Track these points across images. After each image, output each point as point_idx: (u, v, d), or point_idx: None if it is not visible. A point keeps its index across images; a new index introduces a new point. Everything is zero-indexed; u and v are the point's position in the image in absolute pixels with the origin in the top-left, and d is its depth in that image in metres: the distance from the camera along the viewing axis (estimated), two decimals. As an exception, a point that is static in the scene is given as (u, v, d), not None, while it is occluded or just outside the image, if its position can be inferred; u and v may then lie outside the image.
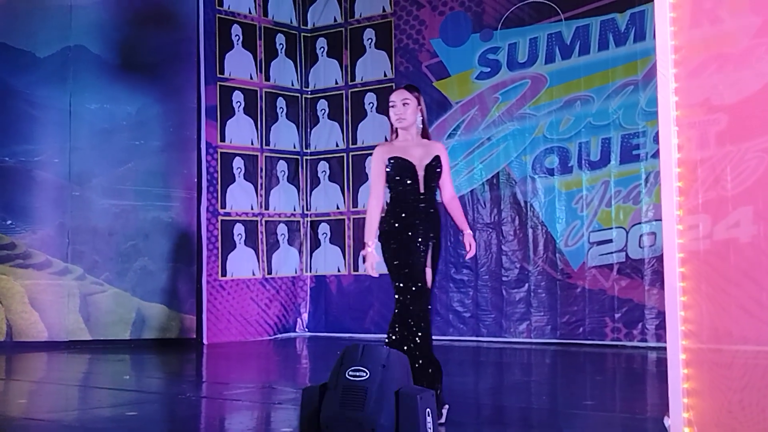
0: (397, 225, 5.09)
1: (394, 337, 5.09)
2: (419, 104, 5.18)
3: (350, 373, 4.15)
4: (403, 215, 5.09)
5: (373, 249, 5.09)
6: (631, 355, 8.46)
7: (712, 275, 3.54)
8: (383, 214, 5.20)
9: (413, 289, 5.05)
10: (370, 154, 10.90)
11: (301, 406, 4.38)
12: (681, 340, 3.58)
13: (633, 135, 9.15)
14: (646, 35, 9.03)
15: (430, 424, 4.09)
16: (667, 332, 3.63)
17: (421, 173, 5.11)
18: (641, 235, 9.05)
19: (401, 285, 5.07)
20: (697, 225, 3.59)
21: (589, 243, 9.35)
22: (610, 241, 9.24)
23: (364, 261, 5.15)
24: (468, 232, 5.33)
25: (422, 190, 5.12)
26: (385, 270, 5.20)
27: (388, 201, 5.21)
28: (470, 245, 5.27)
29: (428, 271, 5.16)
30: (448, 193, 5.33)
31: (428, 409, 4.12)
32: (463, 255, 10.05)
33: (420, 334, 5.06)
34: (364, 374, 4.13)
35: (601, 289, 9.25)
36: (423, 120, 5.20)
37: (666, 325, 3.64)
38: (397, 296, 5.10)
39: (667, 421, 3.60)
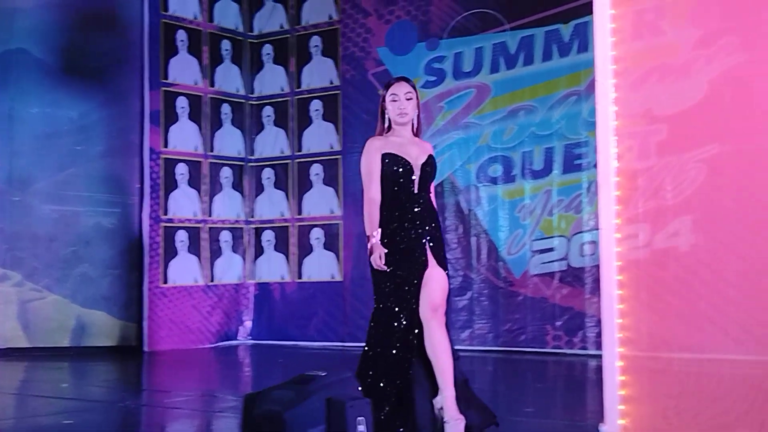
0: (389, 231, 4.70)
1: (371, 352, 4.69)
2: (419, 99, 4.89)
3: None
4: (396, 221, 4.72)
5: (378, 240, 4.63)
6: (571, 363, 8.53)
7: (652, 284, 3.58)
8: None
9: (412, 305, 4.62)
10: (316, 162, 11.01)
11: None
12: (617, 347, 3.62)
13: (575, 145, 9.25)
14: (589, 46, 9.12)
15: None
16: (603, 340, 3.67)
17: (417, 173, 4.76)
18: (582, 244, 9.15)
19: (391, 298, 4.64)
20: (637, 234, 3.63)
21: (532, 251, 9.42)
22: (552, 249, 9.32)
23: (370, 254, 4.65)
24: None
25: (417, 191, 4.76)
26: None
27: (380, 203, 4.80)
28: None
29: (438, 272, 4.70)
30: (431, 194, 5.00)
31: (361, 417, 4.04)
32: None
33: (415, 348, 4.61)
34: None
35: (543, 297, 9.32)
36: (418, 116, 4.86)
37: (602, 332, 3.68)
38: (380, 306, 4.69)
39: (602, 428, 3.63)
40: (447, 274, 4.73)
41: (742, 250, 3.40)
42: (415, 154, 4.78)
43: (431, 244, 4.71)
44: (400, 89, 4.80)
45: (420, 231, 4.70)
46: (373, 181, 4.73)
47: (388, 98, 4.81)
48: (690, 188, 3.52)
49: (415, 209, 4.74)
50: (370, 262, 4.67)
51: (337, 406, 4.02)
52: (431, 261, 4.68)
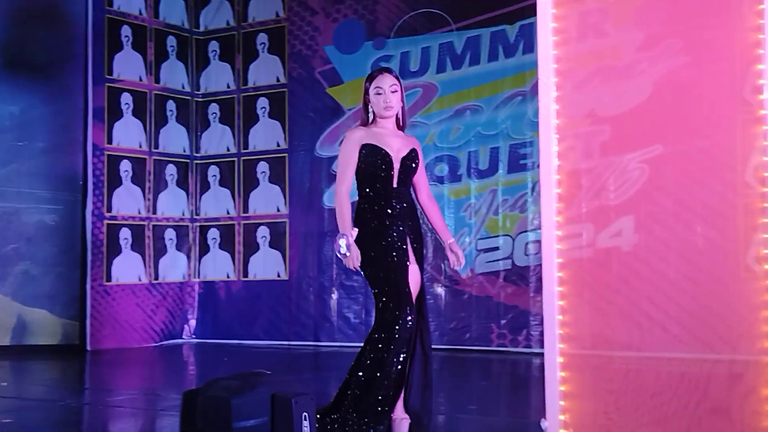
0: (372, 226, 4.59)
1: (374, 355, 4.47)
2: (402, 91, 4.75)
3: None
4: (375, 215, 4.62)
5: (352, 240, 4.48)
6: (515, 361, 8.61)
7: (594, 282, 3.62)
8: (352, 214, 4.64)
9: (397, 296, 4.49)
10: (262, 159, 10.96)
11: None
12: (558, 343, 3.66)
13: (520, 145, 9.33)
14: (534, 47, 9.21)
15: (307, 429, 4.03)
16: (545, 337, 3.71)
17: (396, 166, 4.63)
18: (527, 243, 9.23)
19: (385, 295, 4.53)
20: (580, 233, 3.67)
21: (477, 250, 9.48)
22: (497, 248, 9.39)
23: (345, 255, 4.47)
24: (451, 241, 4.87)
25: (396, 185, 4.65)
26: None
27: (358, 197, 4.71)
28: (458, 255, 4.81)
29: (415, 269, 4.66)
30: (425, 192, 4.91)
31: (305, 414, 4.02)
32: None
33: (410, 350, 4.51)
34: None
35: (488, 295, 9.38)
36: (403, 108, 4.75)
37: (544, 328, 3.72)
38: (380, 305, 4.53)
39: (544, 424, 3.68)
40: (422, 272, 4.71)
41: (682, 250, 3.46)
42: (397, 146, 4.67)
43: (412, 239, 4.66)
44: (385, 82, 4.67)
45: (401, 229, 4.62)
46: (346, 175, 4.62)
47: (372, 91, 4.68)
48: (632, 189, 3.57)
49: (394, 204, 4.63)
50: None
51: (283, 401, 4.01)
52: (411, 257, 4.63)
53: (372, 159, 4.62)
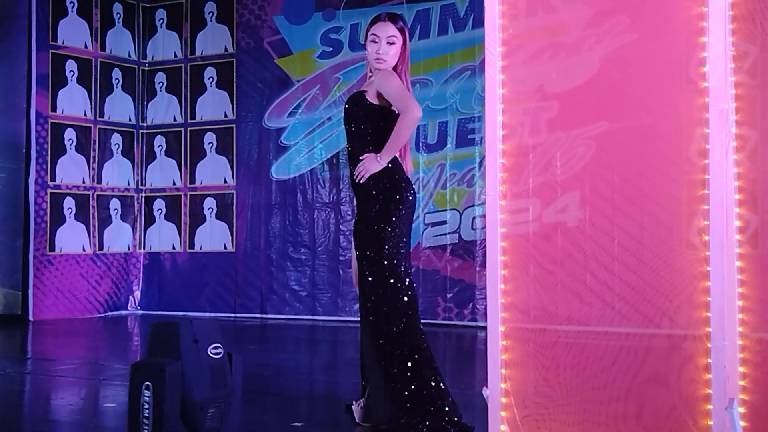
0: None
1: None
2: (406, 44, 4.32)
3: (212, 351, 3.98)
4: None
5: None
6: (461, 334, 8.68)
7: (539, 257, 3.66)
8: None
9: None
10: (210, 131, 10.86)
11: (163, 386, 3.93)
12: (501, 312, 3.70)
13: (469, 120, 9.36)
14: (484, 21, 9.22)
15: (148, 398, 3.96)
16: (488, 306, 3.75)
17: None
18: (474, 218, 9.28)
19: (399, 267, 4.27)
20: (527, 208, 3.70)
21: (425, 224, 9.52)
22: (445, 222, 9.44)
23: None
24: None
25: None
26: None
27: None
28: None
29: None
30: None
31: (147, 383, 3.94)
32: (300, 234, 10.07)
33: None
34: (221, 351, 4.00)
35: (435, 269, 9.44)
36: (402, 67, 4.32)
37: (487, 298, 3.76)
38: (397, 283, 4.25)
39: (485, 392, 3.72)
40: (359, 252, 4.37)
41: (627, 226, 3.50)
42: None
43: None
44: (383, 31, 4.27)
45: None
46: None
47: (368, 38, 4.31)
48: (579, 164, 3.60)
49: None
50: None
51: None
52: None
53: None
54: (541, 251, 3.66)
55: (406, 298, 4.25)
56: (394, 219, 4.23)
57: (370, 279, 4.23)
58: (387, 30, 4.27)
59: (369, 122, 4.30)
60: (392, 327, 4.19)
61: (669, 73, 3.44)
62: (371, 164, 4.24)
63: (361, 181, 4.28)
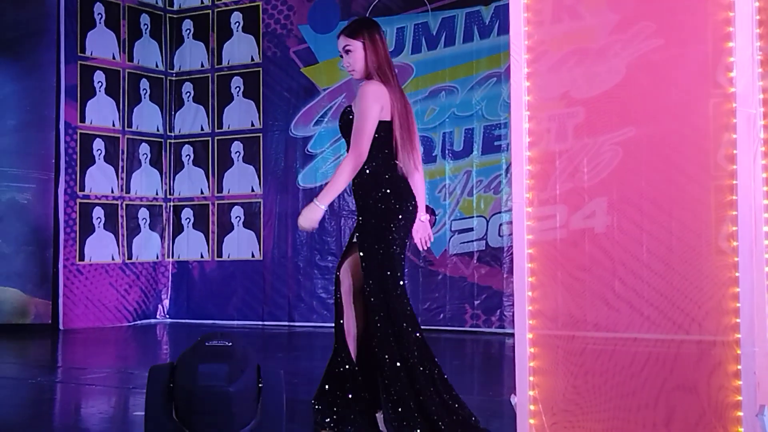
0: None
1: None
2: (369, 44, 4.30)
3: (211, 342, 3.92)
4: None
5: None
6: (489, 341, 8.66)
7: (567, 264, 3.65)
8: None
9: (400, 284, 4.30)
10: (237, 140, 10.92)
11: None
12: (528, 320, 3.69)
13: (495, 126, 9.35)
14: (509, 28, 9.21)
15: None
16: (515, 312, 3.73)
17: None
18: (501, 224, 9.27)
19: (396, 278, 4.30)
20: (554, 215, 3.69)
21: (451, 231, 9.51)
22: (471, 229, 9.43)
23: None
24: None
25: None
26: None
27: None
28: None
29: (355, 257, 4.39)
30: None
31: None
32: (327, 242, 10.10)
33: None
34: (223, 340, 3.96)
35: (462, 276, 9.43)
36: (374, 60, 4.30)
37: (515, 305, 3.75)
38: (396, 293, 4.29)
39: (513, 399, 3.71)
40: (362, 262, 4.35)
41: (655, 232, 3.49)
42: None
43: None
44: (339, 45, 4.38)
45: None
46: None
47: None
48: (606, 170, 3.59)
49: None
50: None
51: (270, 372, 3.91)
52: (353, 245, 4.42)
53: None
54: (568, 258, 3.65)
55: (408, 309, 4.29)
56: (393, 227, 4.23)
57: (373, 287, 4.24)
58: (340, 43, 4.35)
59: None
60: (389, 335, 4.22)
61: (696, 79, 3.43)
62: (311, 213, 4.21)
63: (306, 229, 4.26)
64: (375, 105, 4.22)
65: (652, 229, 3.50)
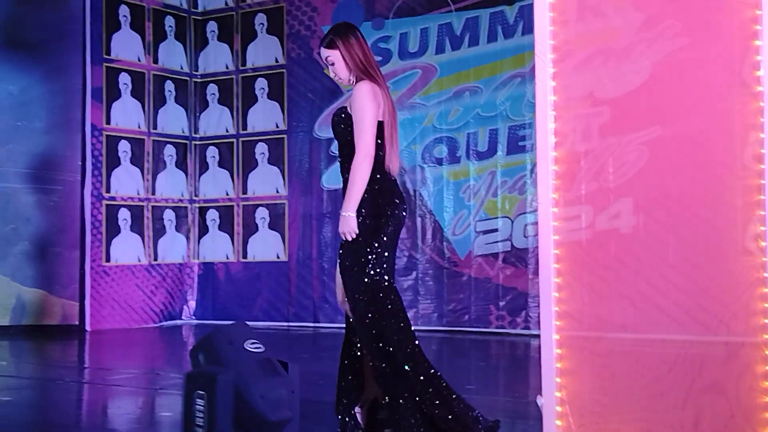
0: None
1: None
2: (345, 51, 4.31)
3: (249, 346, 4.00)
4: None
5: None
6: (514, 342, 8.63)
7: (593, 265, 3.63)
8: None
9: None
10: (261, 141, 10.95)
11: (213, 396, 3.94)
12: (555, 320, 3.67)
13: (519, 126, 9.33)
14: (533, 28, 9.18)
15: (201, 407, 3.98)
16: (541, 313, 3.72)
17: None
18: (526, 225, 9.24)
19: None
20: (579, 215, 3.67)
21: (476, 232, 9.49)
22: (496, 230, 9.40)
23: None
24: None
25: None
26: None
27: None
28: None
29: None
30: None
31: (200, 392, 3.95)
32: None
33: None
34: (260, 345, 4.03)
35: (487, 277, 9.40)
36: (356, 63, 4.29)
37: (540, 306, 3.73)
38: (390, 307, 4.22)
39: (540, 400, 3.70)
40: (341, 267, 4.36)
41: (682, 232, 3.46)
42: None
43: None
44: (322, 57, 4.41)
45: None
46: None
47: None
48: (632, 170, 3.57)
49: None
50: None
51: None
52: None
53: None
54: (594, 258, 3.63)
55: (394, 312, 4.18)
56: (382, 235, 4.21)
57: (356, 295, 4.20)
58: (323, 55, 4.39)
59: (354, 135, 4.24)
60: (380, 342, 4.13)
61: (722, 78, 3.40)
62: (344, 225, 4.17)
63: (349, 239, 4.19)
64: (373, 103, 4.20)
65: (678, 229, 3.47)
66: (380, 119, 4.25)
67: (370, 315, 4.14)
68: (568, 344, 3.66)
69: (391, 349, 4.10)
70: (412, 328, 4.23)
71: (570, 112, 3.70)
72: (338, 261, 4.33)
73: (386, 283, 4.20)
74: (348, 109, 4.26)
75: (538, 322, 8.91)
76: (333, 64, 4.33)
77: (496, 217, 9.42)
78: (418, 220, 9.80)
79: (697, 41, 3.47)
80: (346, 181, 4.24)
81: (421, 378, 4.08)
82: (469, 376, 6.91)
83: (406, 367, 4.08)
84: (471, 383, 6.40)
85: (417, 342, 4.18)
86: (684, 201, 3.46)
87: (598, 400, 3.59)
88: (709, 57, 3.45)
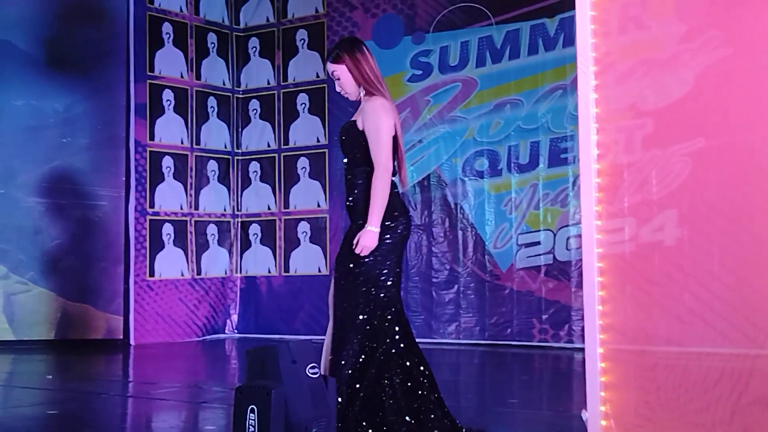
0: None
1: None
2: (352, 65, 4.35)
3: (309, 371, 4.02)
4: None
5: None
6: (557, 356, 8.57)
7: (637, 277, 3.61)
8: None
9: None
10: (302, 155, 11.01)
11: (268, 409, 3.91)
12: (599, 334, 3.65)
13: (561, 139, 9.28)
14: (574, 40, 9.15)
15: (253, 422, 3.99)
16: (585, 327, 3.69)
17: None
18: (568, 238, 9.18)
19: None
20: (622, 228, 3.65)
21: (518, 245, 9.45)
22: (538, 243, 9.36)
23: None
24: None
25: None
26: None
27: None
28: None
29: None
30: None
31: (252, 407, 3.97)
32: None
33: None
34: (318, 371, 4.06)
35: (529, 290, 9.35)
36: (362, 77, 4.34)
37: (584, 320, 3.71)
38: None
39: (584, 415, 3.67)
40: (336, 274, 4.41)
41: (727, 245, 3.43)
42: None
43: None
44: (329, 72, 4.42)
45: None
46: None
47: None
48: (675, 182, 3.54)
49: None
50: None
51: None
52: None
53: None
54: (638, 271, 3.60)
55: (380, 327, 4.24)
56: (379, 246, 4.21)
57: (344, 305, 4.30)
58: (329, 70, 4.39)
59: (362, 149, 4.26)
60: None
61: (767, 88, 3.37)
62: (367, 239, 4.19)
63: (365, 253, 4.21)
64: (387, 117, 4.24)
65: (723, 241, 3.44)
66: (392, 134, 4.27)
67: (357, 322, 4.25)
68: (612, 358, 3.63)
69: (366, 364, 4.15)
70: (408, 348, 4.24)
71: (612, 124, 3.69)
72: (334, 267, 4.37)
73: (382, 294, 4.26)
74: (357, 123, 4.28)
75: (582, 336, 8.80)
76: (339, 79, 4.36)
77: (538, 230, 9.37)
78: (460, 233, 9.78)
79: (740, 51, 3.44)
80: (350, 195, 4.29)
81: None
82: (512, 390, 6.88)
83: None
84: (514, 397, 6.37)
85: (406, 362, 4.19)
86: (728, 213, 3.43)
87: (643, 414, 3.56)
88: (752, 67, 3.42)
